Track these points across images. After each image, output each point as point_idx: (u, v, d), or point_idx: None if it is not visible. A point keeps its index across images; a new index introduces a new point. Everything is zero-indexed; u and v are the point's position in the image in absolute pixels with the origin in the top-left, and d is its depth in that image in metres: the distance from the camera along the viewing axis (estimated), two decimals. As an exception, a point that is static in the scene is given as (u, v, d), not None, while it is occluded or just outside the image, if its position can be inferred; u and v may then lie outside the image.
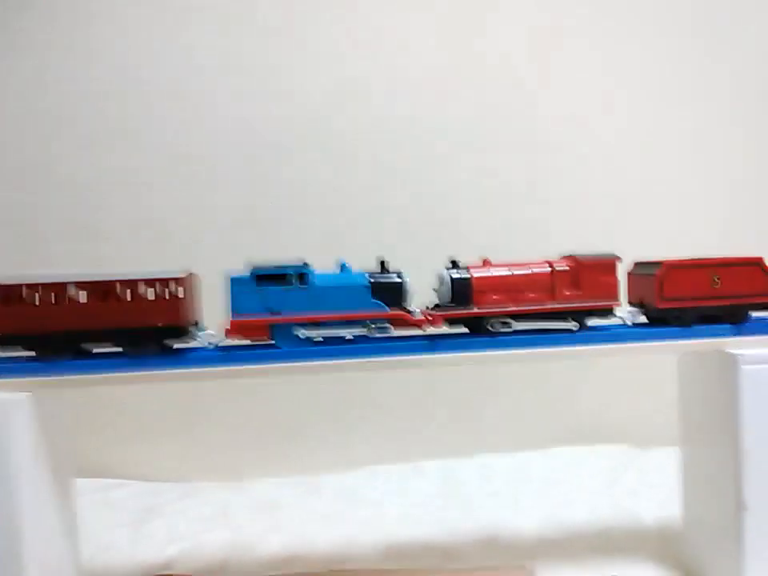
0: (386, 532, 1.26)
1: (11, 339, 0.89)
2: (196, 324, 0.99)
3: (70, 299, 0.90)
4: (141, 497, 1.47)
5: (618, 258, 1.03)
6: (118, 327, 0.91)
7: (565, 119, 1.68)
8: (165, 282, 0.92)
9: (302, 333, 0.95)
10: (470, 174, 1.68)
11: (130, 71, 1.63)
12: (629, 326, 1.04)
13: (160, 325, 0.92)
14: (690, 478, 1.13)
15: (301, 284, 0.95)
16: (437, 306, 1.03)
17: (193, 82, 1.65)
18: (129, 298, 0.91)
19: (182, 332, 0.93)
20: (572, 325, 1.01)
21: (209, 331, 0.98)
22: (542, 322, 1.01)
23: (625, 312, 1.06)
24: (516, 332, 1.00)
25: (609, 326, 1.05)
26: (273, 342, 0.96)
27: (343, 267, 1.01)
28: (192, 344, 0.97)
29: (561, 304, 1.01)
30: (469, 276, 1.00)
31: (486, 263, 1.04)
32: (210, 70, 1.65)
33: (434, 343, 0.98)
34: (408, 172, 1.67)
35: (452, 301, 1.00)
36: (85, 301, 0.90)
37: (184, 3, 1.64)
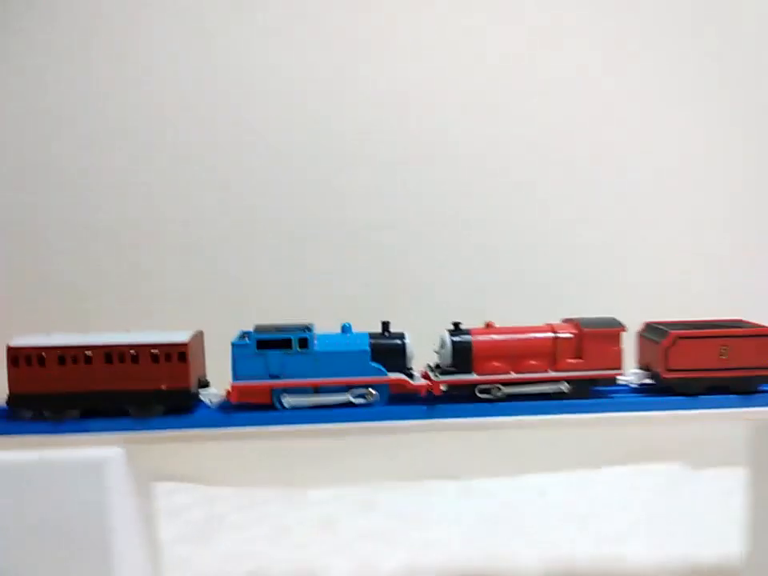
0: (444, 554, 1.27)
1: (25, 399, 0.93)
2: (202, 383, 1.01)
3: (84, 361, 0.93)
4: (203, 505, 1.50)
5: (623, 328, 1.02)
6: (125, 390, 0.94)
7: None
8: (169, 347, 0.94)
9: (288, 401, 0.97)
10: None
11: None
12: (632, 393, 1.03)
13: (164, 388, 0.94)
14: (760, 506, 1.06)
15: (301, 349, 0.97)
16: (437, 367, 1.04)
17: (199, 84, 1.65)
18: (134, 362, 0.94)
19: (185, 395, 0.95)
20: (564, 387, 1.00)
21: (210, 391, 1.00)
22: (538, 386, 1.01)
23: (631, 374, 1.05)
24: (513, 397, 1.00)
25: (613, 390, 1.04)
26: (274, 405, 0.98)
27: (345, 329, 1.02)
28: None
29: (562, 372, 1.01)
30: (470, 340, 1.00)
31: (489, 326, 1.04)
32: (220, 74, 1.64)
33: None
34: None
35: (453, 365, 1.00)
36: (95, 364, 0.94)
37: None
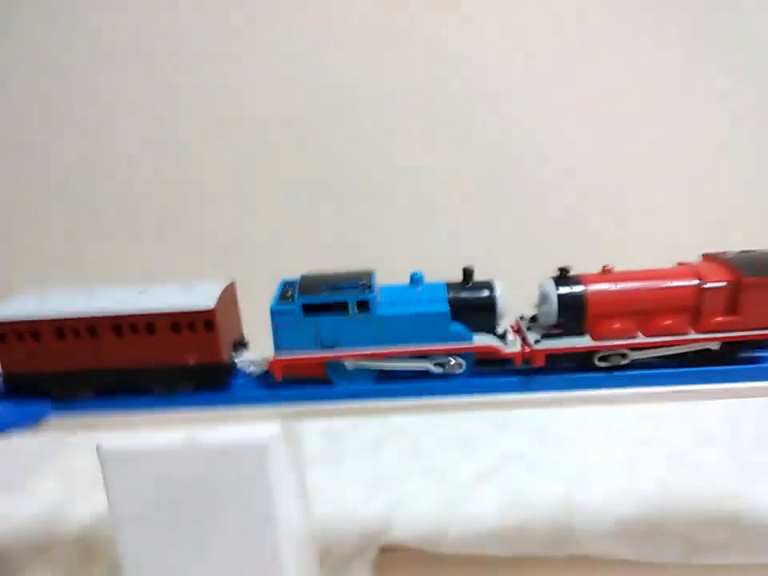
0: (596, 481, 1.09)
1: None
2: (238, 345, 0.81)
3: (90, 335, 0.74)
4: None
5: (798, 272, 0.74)
6: (143, 366, 0.75)
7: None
8: (192, 315, 0.73)
9: (350, 363, 0.76)
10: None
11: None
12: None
13: (191, 363, 0.75)
14: None
15: (361, 312, 0.74)
16: (533, 319, 0.80)
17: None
18: (150, 333, 0.74)
19: (217, 370, 0.76)
20: (714, 347, 0.76)
21: (248, 356, 0.80)
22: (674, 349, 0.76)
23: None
24: (636, 365, 0.76)
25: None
26: (330, 378, 0.77)
27: (415, 279, 0.78)
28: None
29: (709, 334, 0.75)
30: (582, 292, 0.75)
31: (607, 272, 0.78)
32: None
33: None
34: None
35: (558, 325, 0.76)
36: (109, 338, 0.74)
37: None
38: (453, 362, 0.76)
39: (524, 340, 0.78)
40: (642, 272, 0.77)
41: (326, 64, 1.36)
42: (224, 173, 1.43)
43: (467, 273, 0.78)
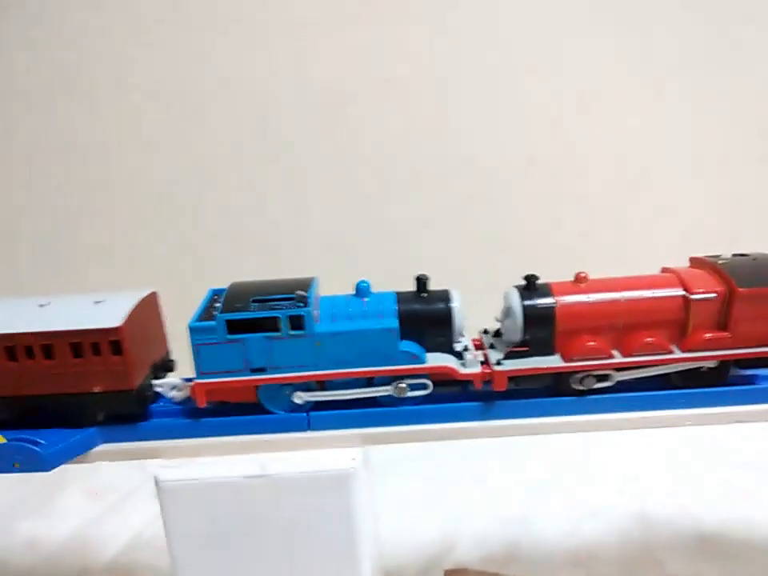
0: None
1: None
2: (160, 368, 0.71)
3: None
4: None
5: (799, 282, 0.64)
6: (42, 394, 0.65)
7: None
8: (96, 334, 0.63)
9: (299, 396, 0.66)
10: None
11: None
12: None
13: (96, 391, 0.64)
14: None
15: (295, 331, 0.64)
16: (497, 333, 0.70)
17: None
18: (48, 358, 0.63)
19: (132, 396, 0.65)
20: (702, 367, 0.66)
21: (171, 379, 0.70)
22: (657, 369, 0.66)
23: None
24: (617, 388, 0.67)
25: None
26: (262, 404, 0.67)
27: (361, 289, 0.68)
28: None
29: (696, 353, 0.65)
30: (551, 305, 0.65)
31: (579, 280, 0.68)
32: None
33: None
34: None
35: (524, 342, 0.66)
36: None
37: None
38: (403, 385, 0.66)
39: (486, 359, 0.67)
40: (620, 280, 0.67)
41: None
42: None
43: (420, 282, 0.67)
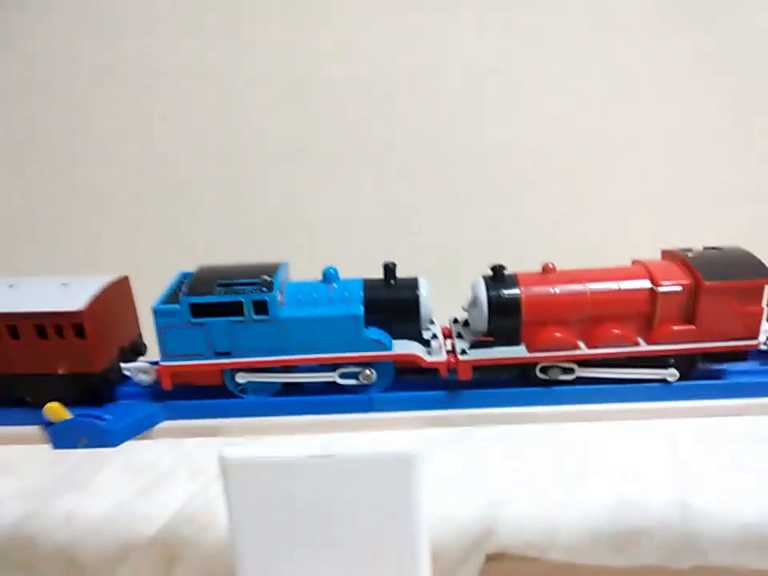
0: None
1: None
2: (130, 350, 0.71)
3: None
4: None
5: (766, 279, 0.63)
6: (9, 373, 0.65)
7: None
8: (59, 317, 0.63)
9: (241, 376, 0.66)
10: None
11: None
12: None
13: (60, 372, 0.65)
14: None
15: (259, 315, 0.64)
16: (465, 323, 0.70)
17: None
18: (14, 338, 0.64)
19: (92, 380, 0.65)
20: (669, 374, 0.66)
21: (140, 363, 0.70)
22: (624, 369, 0.66)
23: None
24: (580, 380, 0.66)
25: (738, 368, 0.68)
26: (228, 388, 0.67)
27: (328, 276, 0.68)
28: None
29: (662, 346, 0.65)
30: (517, 295, 0.65)
31: (548, 271, 0.67)
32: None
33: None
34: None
35: (489, 331, 0.66)
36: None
37: None
38: (367, 372, 0.66)
39: (453, 348, 0.67)
40: (587, 272, 0.67)
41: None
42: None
43: (388, 269, 0.67)
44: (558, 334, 0.64)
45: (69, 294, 0.65)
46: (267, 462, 0.61)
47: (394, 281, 0.67)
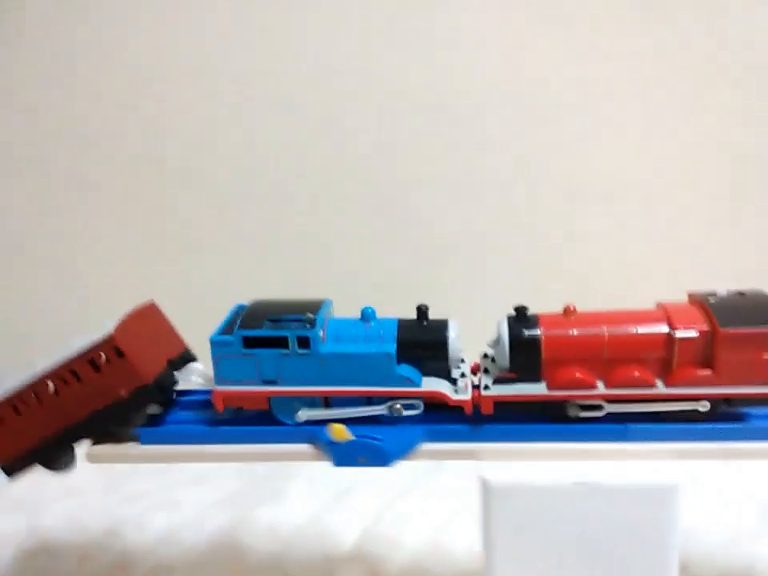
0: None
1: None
2: (180, 362, 0.80)
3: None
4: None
5: (787, 324, 0.64)
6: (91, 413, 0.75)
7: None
8: (100, 346, 0.73)
9: (303, 413, 0.73)
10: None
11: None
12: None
13: (123, 394, 0.74)
14: None
15: (302, 349, 0.71)
16: (493, 359, 0.75)
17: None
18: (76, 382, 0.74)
19: (150, 388, 0.74)
20: (700, 405, 0.67)
21: (196, 366, 0.79)
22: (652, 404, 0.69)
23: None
24: (607, 418, 0.69)
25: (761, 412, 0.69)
26: (274, 414, 0.75)
27: (366, 314, 0.74)
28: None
29: (679, 389, 0.67)
30: (538, 335, 0.69)
31: (569, 313, 0.71)
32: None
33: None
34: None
35: (512, 368, 0.70)
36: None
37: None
38: (398, 406, 0.72)
39: (479, 383, 0.72)
40: (607, 314, 0.70)
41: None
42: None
43: (421, 311, 0.73)
44: (576, 374, 0.68)
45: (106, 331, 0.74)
46: (530, 487, 0.62)
47: (426, 321, 0.72)
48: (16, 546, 1.02)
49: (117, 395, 0.74)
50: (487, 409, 0.69)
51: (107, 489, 1.12)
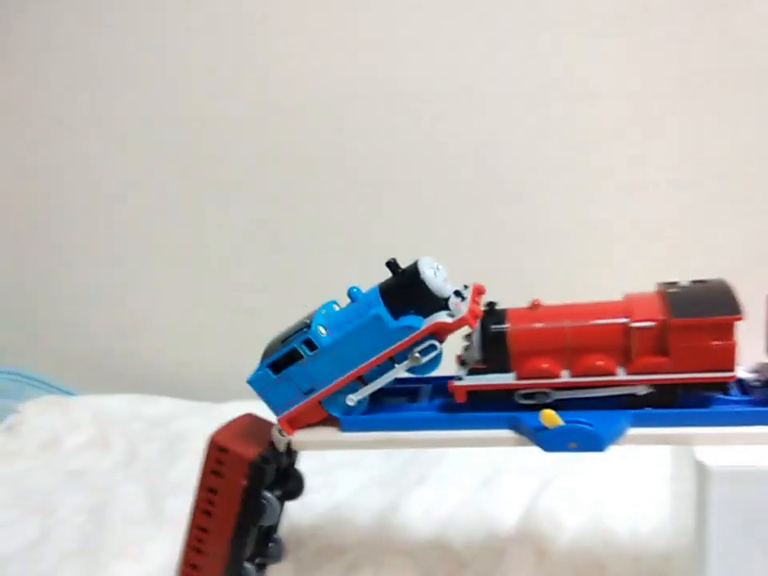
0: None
1: None
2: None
3: None
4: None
5: (739, 315, 0.66)
6: None
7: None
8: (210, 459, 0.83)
9: (350, 399, 0.78)
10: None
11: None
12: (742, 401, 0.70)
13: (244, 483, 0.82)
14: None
15: (312, 351, 0.77)
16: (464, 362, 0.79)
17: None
18: None
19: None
20: (643, 389, 0.71)
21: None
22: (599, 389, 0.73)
23: (753, 368, 0.72)
24: (567, 405, 0.74)
25: (721, 397, 0.72)
26: (333, 416, 0.81)
27: (353, 294, 0.79)
28: None
29: (638, 375, 0.71)
30: (504, 329, 0.74)
31: (535, 308, 0.76)
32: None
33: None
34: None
35: (483, 360, 0.76)
36: None
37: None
38: (416, 355, 0.74)
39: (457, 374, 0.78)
40: (571, 307, 0.74)
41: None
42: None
43: (391, 265, 0.75)
44: (543, 364, 0.73)
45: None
46: (756, 471, 0.60)
47: (400, 270, 0.75)
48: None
49: (240, 486, 0.81)
50: (461, 398, 0.75)
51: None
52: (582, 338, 0.72)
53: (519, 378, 0.74)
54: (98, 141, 1.57)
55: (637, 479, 1.09)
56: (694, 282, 0.71)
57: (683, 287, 0.71)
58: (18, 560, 1.05)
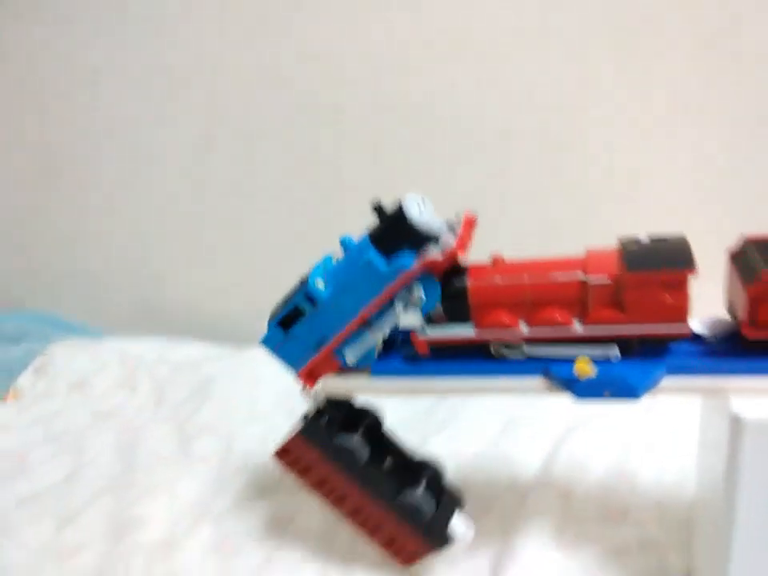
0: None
1: None
2: None
3: None
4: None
5: (692, 269, 0.66)
6: None
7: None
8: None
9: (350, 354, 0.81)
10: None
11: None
12: (701, 350, 0.70)
13: None
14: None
15: (314, 306, 0.80)
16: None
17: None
18: None
19: None
20: (609, 350, 0.72)
21: None
22: (567, 347, 0.74)
23: (708, 322, 0.72)
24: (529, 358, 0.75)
25: (676, 348, 0.72)
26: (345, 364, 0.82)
27: (345, 244, 0.79)
28: None
29: (594, 329, 0.71)
30: (464, 285, 0.76)
31: (497, 264, 0.77)
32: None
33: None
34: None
35: (444, 313, 0.78)
36: None
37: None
38: (414, 296, 0.75)
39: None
40: (531, 263, 0.75)
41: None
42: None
43: (377, 209, 0.75)
44: (501, 317, 0.74)
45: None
46: None
47: (386, 212, 0.75)
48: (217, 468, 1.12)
49: (319, 457, 0.84)
50: (422, 350, 0.78)
51: (290, 413, 1.14)
52: (539, 292, 0.73)
53: (478, 329, 0.75)
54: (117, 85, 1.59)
55: (664, 427, 1.08)
56: (654, 239, 0.71)
57: (641, 243, 0.70)
58: (52, 496, 1.09)
